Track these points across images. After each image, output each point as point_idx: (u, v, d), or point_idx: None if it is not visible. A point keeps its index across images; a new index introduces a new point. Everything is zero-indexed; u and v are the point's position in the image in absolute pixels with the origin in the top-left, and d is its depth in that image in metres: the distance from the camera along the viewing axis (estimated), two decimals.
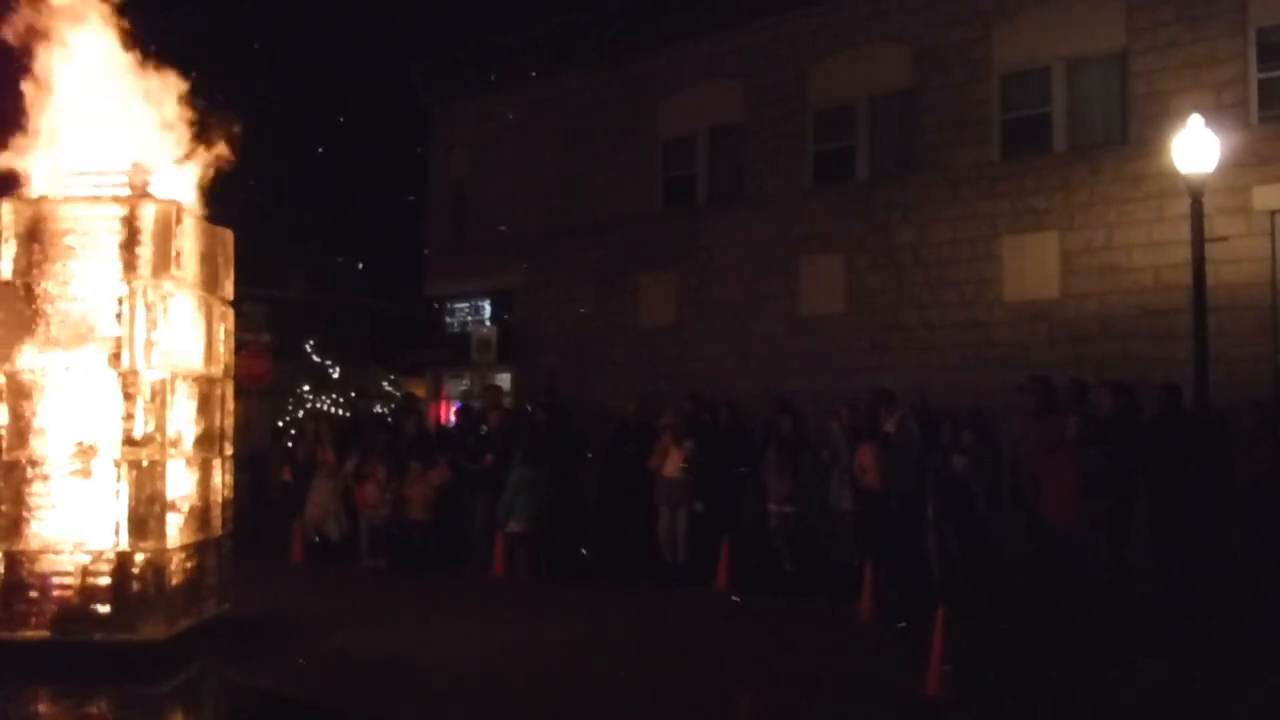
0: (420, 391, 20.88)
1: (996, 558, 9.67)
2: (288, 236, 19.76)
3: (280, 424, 18.53)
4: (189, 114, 7.89)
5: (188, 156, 7.89)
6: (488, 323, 20.18)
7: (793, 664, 7.57)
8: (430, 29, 21.68)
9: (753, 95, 16.79)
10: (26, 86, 7.57)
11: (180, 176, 7.83)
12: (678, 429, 11.12)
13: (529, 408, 13.34)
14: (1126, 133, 13.40)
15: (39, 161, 7.54)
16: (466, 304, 20.99)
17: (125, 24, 7.72)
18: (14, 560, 7.17)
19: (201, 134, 7.94)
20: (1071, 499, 8.73)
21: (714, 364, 16.06)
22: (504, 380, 19.08)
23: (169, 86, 7.92)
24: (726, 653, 8.03)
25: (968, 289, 14.39)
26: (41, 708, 6.73)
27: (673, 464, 10.97)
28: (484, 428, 12.67)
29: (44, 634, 7.19)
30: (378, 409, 19.70)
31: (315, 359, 22.28)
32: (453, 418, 16.08)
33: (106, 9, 7.73)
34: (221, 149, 8.02)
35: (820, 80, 16.15)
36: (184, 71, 7.98)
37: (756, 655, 7.94)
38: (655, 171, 18.12)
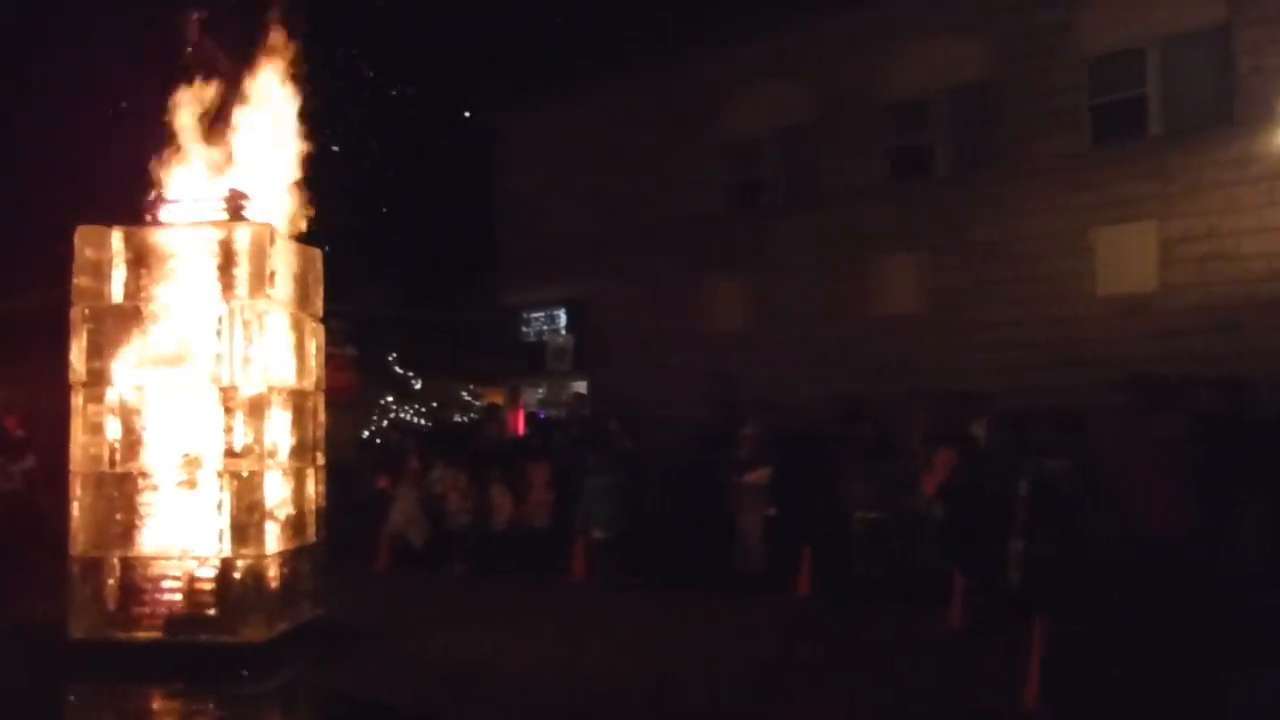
0: (498, 401, 21.63)
1: (1092, 564, 9.31)
2: (369, 253, 20.68)
3: (365, 435, 19.46)
4: (280, 137, 8.63)
5: (280, 179, 8.65)
6: (563, 331, 20.83)
7: (880, 673, 7.79)
8: (494, 44, 22.35)
9: (821, 94, 17.06)
10: (132, 117, 8.39)
11: (273, 199, 8.59)
12: (759, 440, 11.58)
13: (603, 415, 13.92)
14: (1230, 113, 13.25)
15: (145, 189, 8.36)
16: (541, 313, 21.64)
17: (220, 51, 8.51)
18: (128, 565, 7.92)
19: (291, 155, 8.68)
20: (1174, 502, 8.63)
21: (787, 369, 16.29)
22: (579, 388, 19.72)
23: (260, 109, 8.69)
24: (809, 661, 8.28)
25: (1055, 284, 14.45)
26: (154, 704, 7.43)
27: (754, 474, 11.46)
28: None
29: (155, 635, 7.86)
30: (457, 418, 20.50)
31: (398, 371, 23.25)
32: (526, 426, 16.75)
33: (202, 38, 8.53)
34: (309, 170, 8.78)
35: (892, 75, 16.35)
36: (269, 94, 8.72)
37: (841, 664, 8.16)
38: (722, 174, 18.52)
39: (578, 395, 16.80)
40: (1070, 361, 13.79)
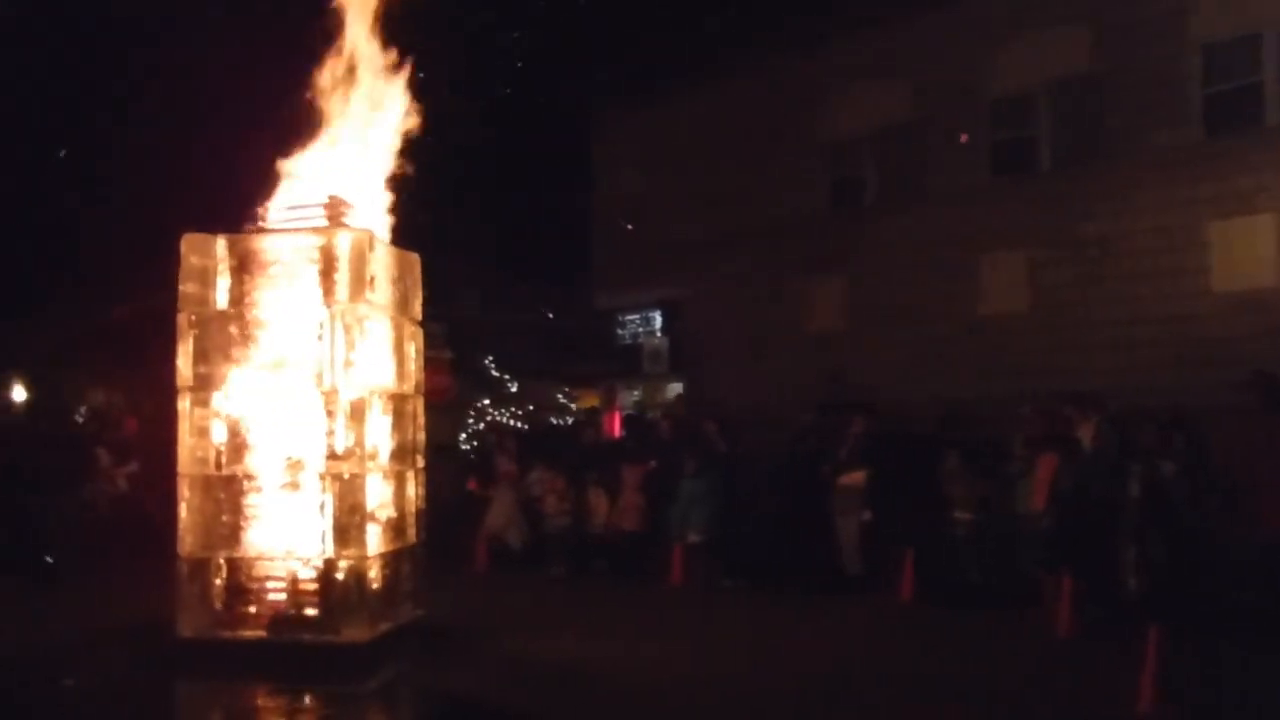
0: (593, 403, 21.79)
1: (1209, 570, 9.21)
2: (466, 257, 21.00)
3: (462, 437, 19.76)
4: (379, 142, 8.82)
5: (379, 184, 8.83)
6: (658, 333, 20.92)
7: (988, 681, 7.67)
8: (593, 44, 22.52)
9: (922, 90, 16.93)
10: (234, 125, 8.66)
11: (372, 204, 8.77)
12: (856, 441, 11.52)
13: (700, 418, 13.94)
14: None
15: (249, 196, 8.60)
16: (637, 315, 21.79)
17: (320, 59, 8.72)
18: (234, 566, 8.13)
19: (390, 160, 8.86)
20: None
21: (888, 369, 16.24)
22: (675, 389, 19.78)
23: (360, 116, 8.88)
24: (911, 667, 8.19)
25: (1168, 281, 14.17)
26: (259, 702, 7.57)
27: (851, 476, 11.41)
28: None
29: (260, 634, 8.02)
30: (554, 421, 20.71)
31: (494, 373, 23.58)
32: (622, 428, 16.83)
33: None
34: (408, 174, 8.95)
35: (995, 69, 16.18)
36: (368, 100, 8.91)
37: (947, 671, 8.05)
38: (822, 174, 18.46)
39: (677, 397, 16.84)
40: (1185, 361, 13.56)
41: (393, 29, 8.64)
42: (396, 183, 8.88)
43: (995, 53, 16.18)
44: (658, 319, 21.49)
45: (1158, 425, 9.81)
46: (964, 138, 15.26)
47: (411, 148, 8.93)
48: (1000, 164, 16.32)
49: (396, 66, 8.77)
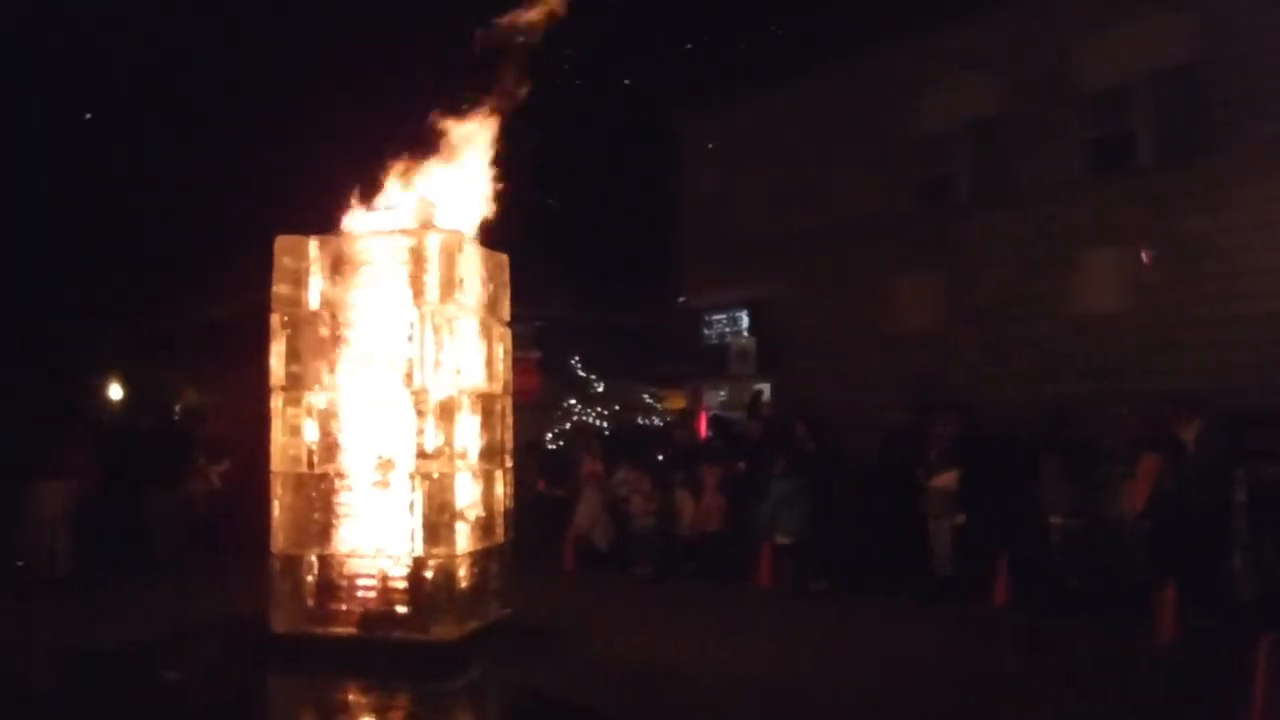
0: (679, 404, 21.81)
1: None
2: (553, 257, 21.20)
3: (548, 436, 19.95)
4: (467, 142, 8.93)
5: (467, 185, 8.94)
6: (745, 333, 20.87)
7: (1088, 692, 7.56)
8: (677, 43, 22.57)
9: (1013, 84, 16.68)
10: (325, 128, 8.83)
11: (461, 205, 8.87)
12: (949, 443, 11.40)
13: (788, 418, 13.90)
14: None
15: (341, 198, 8.77)
16: (723, 315, 21.76)
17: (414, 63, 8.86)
18: (325, 563, 8.27)
19: (479, 161, 8.96)
20: None
21: (979, 369, 16.09)
22: (762, 389, 19.73)
23: (447, 116, 9.00)
24: (1008, 677, 8.09)
25: (1273, 278, 13.85)
26: (350, 698, 7.68)
27: (943, 478, 11.30)
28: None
29: (351, 631, 8.13)
30: (640, 421, 20.80)
31: (580, 374, 23.75)
32: (708, 429, 16.84)
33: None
34: (496, 174, 9.04)
35: (1089, 61, 15.84)
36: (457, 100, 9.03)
37: (1044, 680, 7.95)
38: (909, 171, 18.28)
39: (757, 393, 16.80)
40: None
41: (477, 31, 8.73)
42: (486, 184, 8.97)
43: (1091, 43, 15.87)
44: (744, 319, 21.43)
45: (1263, 428, 9.62)
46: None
47: (500, 149, 9.02)
48: (1096, 159, 16.01)
49: (485, 68, 8.86)
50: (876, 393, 16.44)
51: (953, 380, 15.89)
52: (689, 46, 21.91)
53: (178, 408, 19.80)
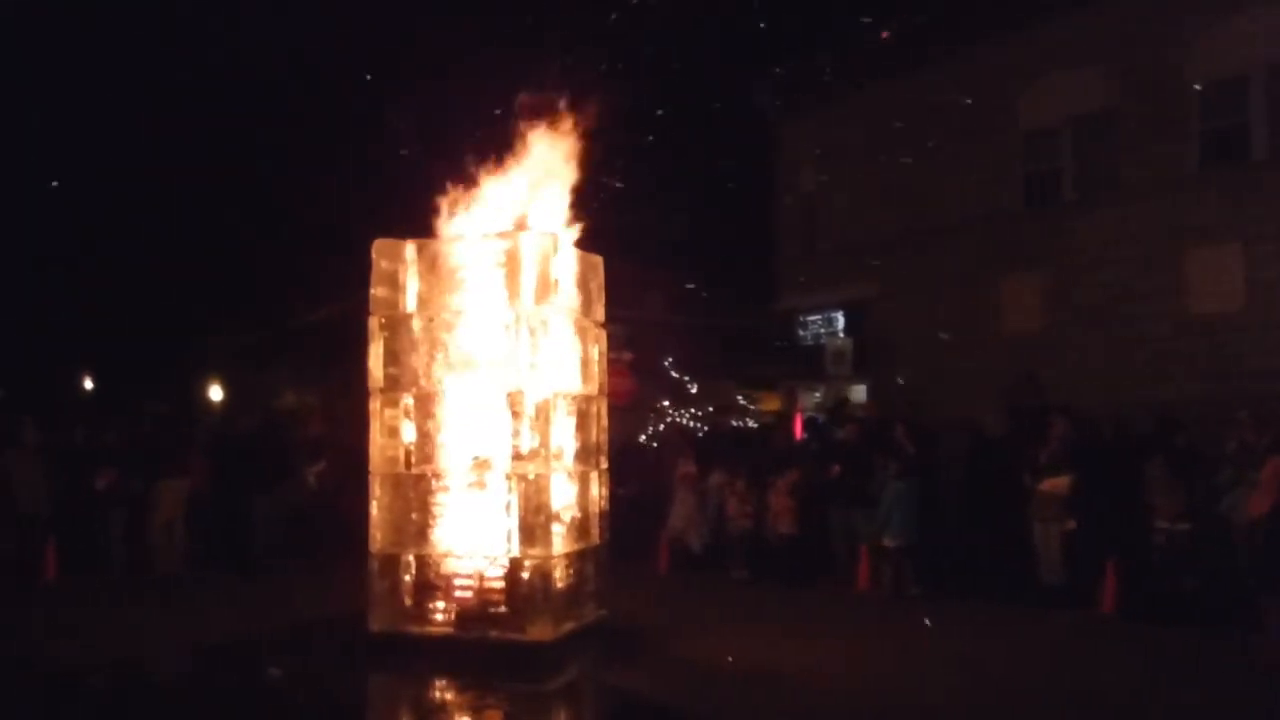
0: (774, 405, 21.77)
1: None
2: (647, 258, 21.33)
3: (642, 438, 20.03)
4: (562, 145, 9.04)
5: (562, 187, 9.06)
6: (841, 334, 20.76)
7: (1201, 706, 7.38)
8: (773, 43, 22.56)
9: (1122, 77, 16.33)
10: (420, 132, 9.02)
11: (556, 207, 9.00)
12: (1058, 446, 11.23)
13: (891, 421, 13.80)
14: None
15: (437, 201, 8.95)
16: (819, 316, 21.64)
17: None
18: (422, 563, 8.45)
19: (573, 163, 9.07)
20: None
21: (1087, 371, 15.77)
22: (860, 392, 19.61)
23: (542, 120, 9.12)
24: (1117, 688, 7.92)
25: None
26: (447, 697, 7.82)
27: (1052, 482, 11.12)
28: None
29: (448, 630, 8.33)
30: (734, 423, 20.79)
31: (674, 375, 23.82)
32: (803, 431, 16.81)
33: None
34: (590, 177, 9.15)
35: (1203, 51, 15.44)
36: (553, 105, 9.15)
37: (1154, 693, 7.77)
38: (1014, 169, 18.00)
39: (844, 399, 16.69)
40: None
41: (576, 34, 8.84)
42: (580, 186, 9.07)
43: (1204, 34, 15.48)
44: (840, 320, 21.29)
45: None
46: None
47: (594, 151, 9.12)
48: (1210, 152, 15.61)
49: (581, 71, 8.97)
50: (977, 395, 16.23)
51: (1058, 382, 15.62)
52: (787, 46, 21.83)
53: (278, 410, 20.29)
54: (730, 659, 8.56)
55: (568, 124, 8.92)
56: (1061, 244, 16.84)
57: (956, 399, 16.63)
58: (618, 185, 9.30)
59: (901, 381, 18.53)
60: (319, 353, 23.82)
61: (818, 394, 21.34)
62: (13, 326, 28.31)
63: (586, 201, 9.20)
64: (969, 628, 10.06)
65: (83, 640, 9.39)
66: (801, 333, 22.11)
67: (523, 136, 8.94)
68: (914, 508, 11.60)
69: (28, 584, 12.10)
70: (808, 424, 15.52)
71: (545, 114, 8.73)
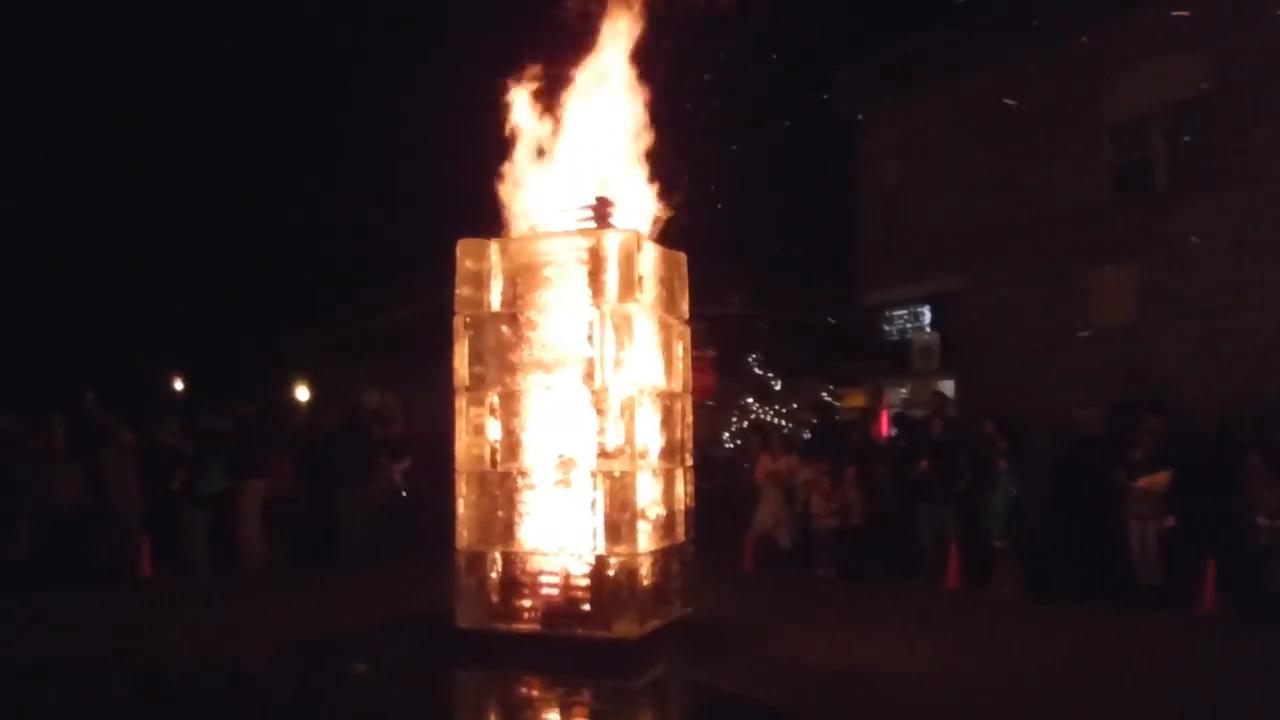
0: (859, 402, 21.63)
1: None
2: (729, 254, 21.33)
3: (725, 435, 20.07)
4: (645, 141, 9.10)
5: (645, 183, 9.11)
6: (928, 329, 20.56)
7: None
8: (856, 35, 22.42)
9: (1219, 62, 15.97)
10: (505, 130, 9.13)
11: (639, 204, 9.05)
12: (1155, 442, 11.05)
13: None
14: None
15: (520, 200, 9.05)
16: (904, 311, 21.44)
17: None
18: (509, 560, 8.57)
19: (656, 159, 9.13)
20: None
21: (1183, 364, 15.42)
22: (947, 387, 19.40)
23: (625, 117, 9.19)
24: (1219, 691, 7.80)
25: None
26: (534, 694, 7.91)
27: (1150, 479, 10.95)
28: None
29: (534, 628, 8.42)
30: (820, 420, 20.69)
31: (757, 372, 23.79)
32: (891, 427, 16.70)
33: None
34: (673, 172, 9.19)
35: None
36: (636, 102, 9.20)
37: (1259, 697, 7.63)
38: (1104, 158, 17.68)
39: (938, 394, 16.52)
40: None
41: (659, 28, 8.88)
42: (663, 182, 9.13)
43: None
44: (927, 314, 21.07)
45: None
46: None
47: (677, 146, 9.17)
48: None
49: (664, 67, 9.02)
50: (1068, 390, 15.99)
51: (1156, 375, 15.31)
52: (870, 36, 21.69)
53: (363, 408, 20.65)
54: (817, 656, 8.56)
55: (652, 120, 8.98)
56: (1156, 234, 16.50)
57: (1047, 394, 16.42)
58: (701, 181, 9.30)
59: (990, 377, 18.30)
60: (403, 351, 24.21)
61: (904, 390, 21.18)
62: (104, 329, 29.19)
63: (670, 197, 9.25)
64: (1065, 628, 9.95)
65: (174, 637, 9.68)
66: (887, 328, 21.93)
67: (606, 132, 9.02)
68: (1008, 505, 11.49)
69: (122, 581, 12.48)
70: (894, 419, 15.45)
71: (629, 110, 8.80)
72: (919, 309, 21.22)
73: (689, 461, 9.26)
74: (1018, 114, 18.45)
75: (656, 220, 9.15)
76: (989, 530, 11.70)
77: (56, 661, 8.75)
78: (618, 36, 8.96)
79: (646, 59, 9.04)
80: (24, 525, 12.37)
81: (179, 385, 32.70)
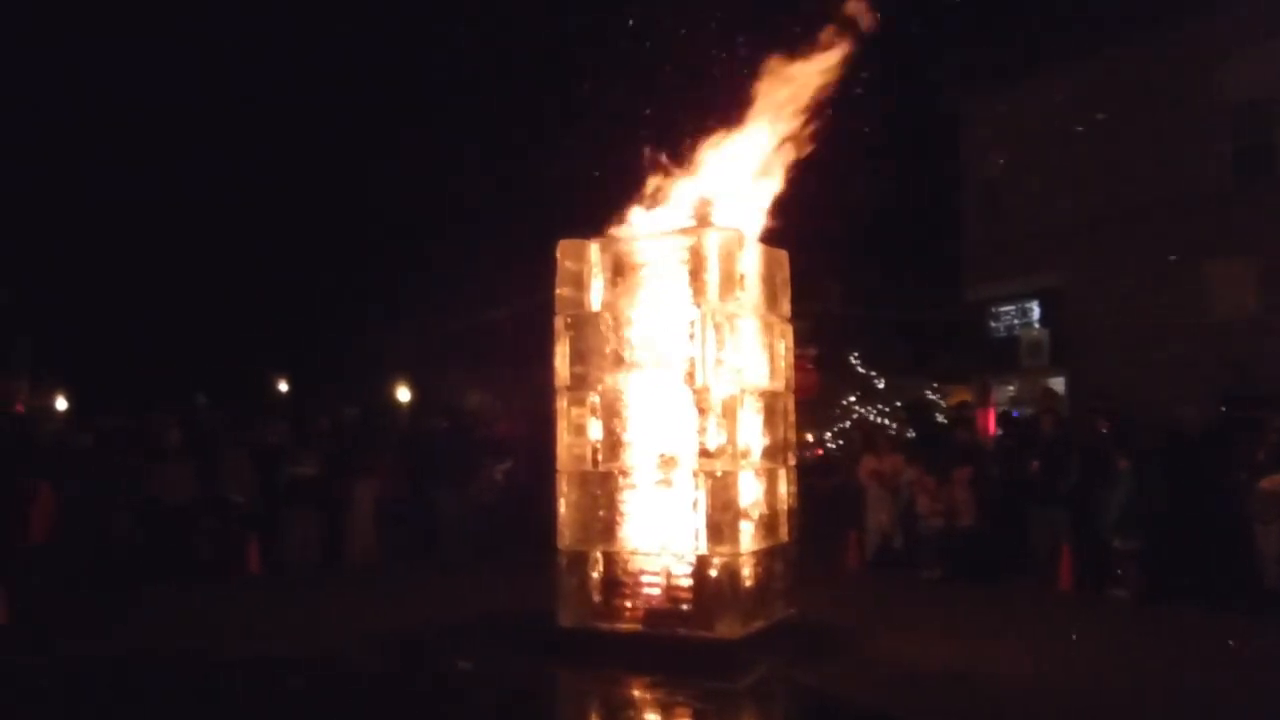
0: (965, 399, 21.38)
1: None
2: (830, 251, 21.26)
3: (828, 435, 20.00)
4: (746, 139, 9.12)
5: (745, 181, 9.13)
6: (1036, 325, 20.26)
7: None
8: (955, 26, 22.09)
9: None
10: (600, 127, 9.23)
11: (739, 202, 9.07)
12: (1276, 444, 10.77)
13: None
14: None
15: (620, 199, 9.15)
16: (1011, 307, 21.17)
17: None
18: (610, 560, 8.65)
19: (756, 156, 9.14)
20: None
21: None
22: (1056, 385, 19.10)
23: (724, 113, 9.22)
24: None
25: None
26: (636, 694, 7.96)
27: (1274, 479, 10.67)
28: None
29: (636, 627, 8.49)
30: (924, 418, 20.52)
31: (860, 370, 23.65)
32: (998, 426, 16.50)
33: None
34: (772, 170, 9.20)
35: None
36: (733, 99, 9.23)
37: None
38: (1221, 143, 17.25)
39: (1048, 391, 16.29)
40: None
41: (757, 26, 8.90)
42: (763, 180, 9.14)
43: None
44: (1035, 309, 20.79)
45: None
46: None
47: (777, 142, 9.16)
48: None
49: (762, 63, 9.02)
50: (1184, 385, 15.64)
51: (1273, 372, 14.90)
52: (974, 24, 21.36)
53: (465, 409, 20.96)
54: (924, 659, 8.51)
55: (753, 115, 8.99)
56: (1274, 224, 16.05)
57: (1161, 390, 16.07)
58: (802, 177, 9.29)
59: (1101, 373, 17.96)
60: (504, 351, 24.51)
61: (1011, 387, 20.89)
62: (214, 335, 30.05)
63: (769, 195, 9.25)
64: (1183, 633, 9.75)
65: (281, 633, 9.94)
66: (993, 324, 21.66)
67: (705, 131, 9.06)
68: (1126, 506, 11.26)
69: (231, 577, 12.88)
70: (1001, 418, 15.26)
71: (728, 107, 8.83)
72: (1027, 304, 20.94)
73: (792, 461, 9.26)
74: (1124, 102, 18.08)
75: (757, 219, 9.16)
76: (1105, 531, 11.47)
77: (164, 655, 9.08)
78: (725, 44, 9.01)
79: (745, 61, 9.06)
80: (132, 521, 12.81)
81: (283, 386, 33.46)
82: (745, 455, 8.45)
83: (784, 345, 9.24)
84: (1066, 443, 12.26)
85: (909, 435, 17.14)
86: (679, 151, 9.03)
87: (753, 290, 8.71)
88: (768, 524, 8.82)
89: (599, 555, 8.72)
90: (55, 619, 10.38)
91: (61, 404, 25.45)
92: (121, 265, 30.30)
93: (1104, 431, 12.14)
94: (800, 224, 9.74)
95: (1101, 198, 18.79)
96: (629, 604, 8.65)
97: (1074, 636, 9.53)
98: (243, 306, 31.61)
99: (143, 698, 7.89)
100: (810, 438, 20.29)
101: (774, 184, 9.09)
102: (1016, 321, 21.22)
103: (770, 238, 9.26)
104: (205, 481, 13.34)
